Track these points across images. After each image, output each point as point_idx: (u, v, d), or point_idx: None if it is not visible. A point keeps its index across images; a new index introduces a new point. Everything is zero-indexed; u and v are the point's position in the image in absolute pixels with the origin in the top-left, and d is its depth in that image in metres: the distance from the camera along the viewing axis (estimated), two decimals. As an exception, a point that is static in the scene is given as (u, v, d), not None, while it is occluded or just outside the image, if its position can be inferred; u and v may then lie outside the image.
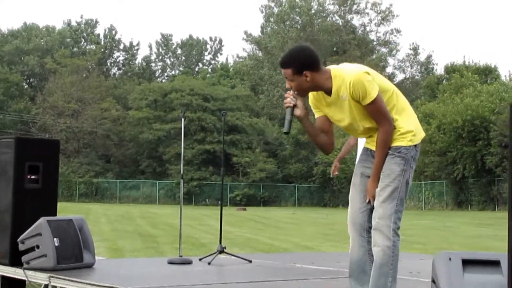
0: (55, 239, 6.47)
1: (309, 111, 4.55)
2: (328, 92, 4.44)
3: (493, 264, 4.45)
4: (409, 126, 4.48)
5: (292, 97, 4.42)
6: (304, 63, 4.35)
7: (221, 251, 8.19)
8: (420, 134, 4.56)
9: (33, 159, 6.97)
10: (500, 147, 38.50)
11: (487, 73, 56.86)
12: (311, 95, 4.58)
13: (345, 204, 50.74)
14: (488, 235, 19.14)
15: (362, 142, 6.00)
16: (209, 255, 8.12)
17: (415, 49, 69.36)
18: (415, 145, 4.50)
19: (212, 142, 56.51)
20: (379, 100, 4.35)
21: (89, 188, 55.35)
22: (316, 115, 4.64)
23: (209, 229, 20.26)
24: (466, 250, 13.32)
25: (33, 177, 6.95)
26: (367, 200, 4.54)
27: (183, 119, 8.44)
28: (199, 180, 55.15)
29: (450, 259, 4.48)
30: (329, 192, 55.19)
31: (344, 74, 4.37)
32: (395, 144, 4.46)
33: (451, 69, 58.74)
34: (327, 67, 4.46)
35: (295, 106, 4.42)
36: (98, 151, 60.55)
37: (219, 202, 52.72)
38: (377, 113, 4.38)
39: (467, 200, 43.36)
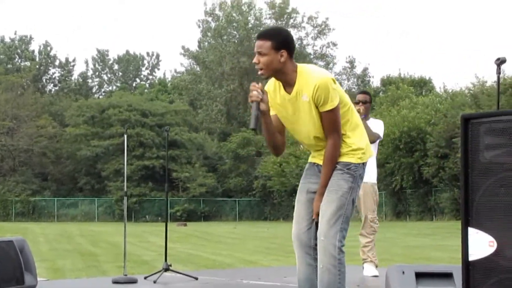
0: (-5, 261, 6.27)
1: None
2: (289, 85, 4.36)
3: (446, 276, 4.45)
4: (360, 144, 4.45)
5: (259, 90, 4.28)
6: (286, 41, 4.31)
7: (167, 269, 8.07)
8: (369, 153, 4.52)
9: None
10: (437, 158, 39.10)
11: (422, 85, 57.84)
12: (270, 88, 4.46)
13: (286, 217, 50.84)
14: (428, 245, 19.40)
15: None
16: (155, 273, 8.00)
17: (352, 62, 70.23)
18: (363, 163, 4.47)
19: (151, 158, 56.05)
20: (337, 110, 4.32)
21: (26, 207, 54.14)
22: (271, 113, 4.46)
23: (150, 245, 20.05)
24: (407, 261, 13.45)
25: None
26: (313, 217, 4.45)
27: (126, 136, 8.30)
28: (139, 196, 54.59)
29: (403, 272, 4.47)
30: (269, 205, 55.23)
31: (310, 74, 4.31)
32: (345, 159, 4.41)
33: (387, 82, 59.56)
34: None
35: (261, 100, 4.28)
36: (34, 169, 59.37)
37: (159, 218, 52.73)
38: (331, 123, 4.31)
39: (406, 210, 43.88)
